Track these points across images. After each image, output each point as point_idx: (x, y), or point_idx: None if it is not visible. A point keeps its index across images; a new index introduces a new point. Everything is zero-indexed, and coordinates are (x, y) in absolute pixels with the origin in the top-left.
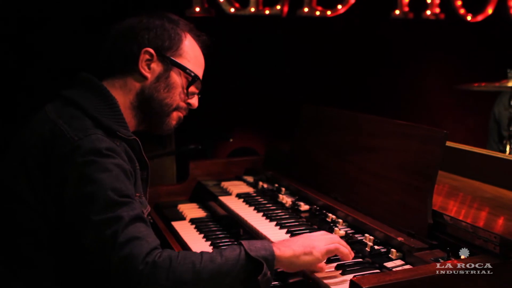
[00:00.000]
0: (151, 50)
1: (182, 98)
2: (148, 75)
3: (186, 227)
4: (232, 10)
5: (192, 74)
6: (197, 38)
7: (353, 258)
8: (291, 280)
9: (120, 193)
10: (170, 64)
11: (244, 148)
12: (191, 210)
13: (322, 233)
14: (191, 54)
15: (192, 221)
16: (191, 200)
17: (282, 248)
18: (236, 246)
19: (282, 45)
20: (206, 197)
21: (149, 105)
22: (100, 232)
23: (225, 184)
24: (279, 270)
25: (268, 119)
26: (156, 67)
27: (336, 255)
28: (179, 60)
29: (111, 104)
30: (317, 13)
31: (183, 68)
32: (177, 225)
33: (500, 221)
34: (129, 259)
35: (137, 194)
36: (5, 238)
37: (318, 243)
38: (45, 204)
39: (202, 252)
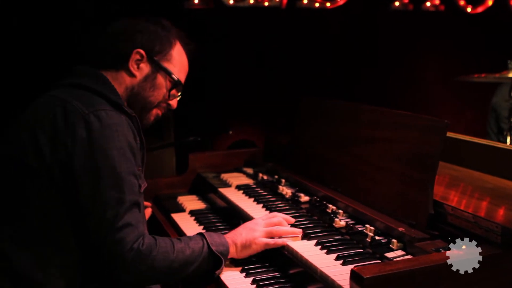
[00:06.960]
0: (142, 52)
1: (164, 98)
2: (137, 73)
3: (186, 219)
4: (231, 1)
5: (176, 79)
6: (185, 46)
7: (353, 249)
8: (291, 271)
9: (126, 170)
10: (157, 67)
11: (243, 140)
12: (191, 202)
13: (261, 222)
14: (178, 60)
15: (192, 213)
16: (190, 192)
17: (231, 243)
18: (199, 238)
19: (282, 37)
20: (205, 189)
21: (135, 99)
22: (103, 212)
23: (224, 176)
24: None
25: (268, 111)
26: (145, 67)
27: (335, 246)
28: (166, 65)
29: (113, 89)
30: (317, 4)
31: (168, 73)
32: (176, 217)
33: (501, 211)
34: (120, 244)
35: (139, 168)
36: (14, 212)
37: (258, 233)
38: (52, 171)
39: (172, 241)
